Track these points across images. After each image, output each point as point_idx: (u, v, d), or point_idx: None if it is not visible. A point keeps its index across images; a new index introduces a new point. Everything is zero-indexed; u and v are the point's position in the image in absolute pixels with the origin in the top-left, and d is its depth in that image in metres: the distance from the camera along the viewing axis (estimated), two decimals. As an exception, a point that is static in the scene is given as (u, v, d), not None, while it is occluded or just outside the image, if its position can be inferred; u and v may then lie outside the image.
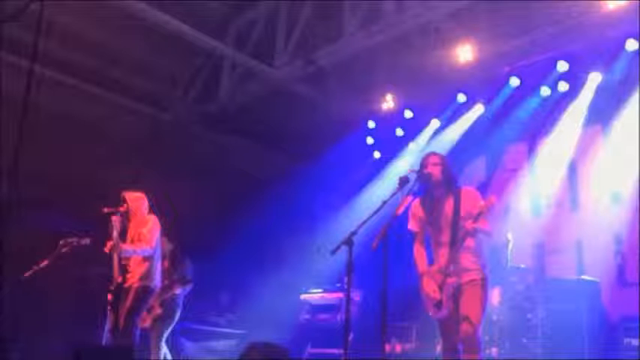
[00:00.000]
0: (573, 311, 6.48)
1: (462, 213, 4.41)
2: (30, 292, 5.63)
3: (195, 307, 7.40)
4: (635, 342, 6.22)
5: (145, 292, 5.64)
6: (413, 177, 4.32)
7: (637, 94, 7.18)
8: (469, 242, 4.37)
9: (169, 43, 7.91)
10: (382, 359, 3.94)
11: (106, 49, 8.06)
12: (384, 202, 4.17)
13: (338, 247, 4.06)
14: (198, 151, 9.16)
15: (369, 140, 9.65)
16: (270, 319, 8.03)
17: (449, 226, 4.44)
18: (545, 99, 8.00)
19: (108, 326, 5.56)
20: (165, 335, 6.46)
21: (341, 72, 8.26)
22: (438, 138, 8.91)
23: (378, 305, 3.99)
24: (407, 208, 4.49)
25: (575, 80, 7.67)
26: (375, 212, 4.12)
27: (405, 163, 8.96)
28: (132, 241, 5.69)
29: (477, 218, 4.31)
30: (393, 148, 9.48)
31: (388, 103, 8.65)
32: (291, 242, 9.30)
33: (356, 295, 7.84)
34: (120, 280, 5.53)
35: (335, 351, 7.31)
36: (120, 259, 5.55)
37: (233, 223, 8.74)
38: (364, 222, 4.08)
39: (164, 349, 6.42)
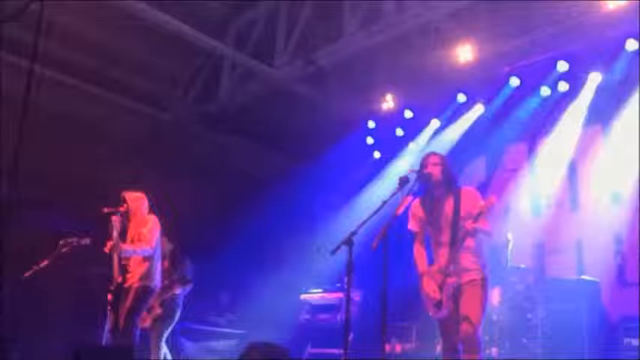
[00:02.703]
0: (573, 311, 6.48)
1: (462, 213, 4.42)
2: (30, 292, 5.63)
3: (195, 307, 7.39)
4: (635, 342, 6.22)
5: (145, 292, 5.64)
6: (413, 177, 4.32)
7: (637, 94, 7.18)
8: (469, 242, 4.37)
9: (169, 43, 7.91)
10: (382, 359, 3.94)
11: (106, 49, 8.06)
12: (384, 202, 4.17)
13: (338, 247, 4.06)
14: (198, 151, 9.16)
15: (369, 140, 9.64)
16: (270, 319, 8.03)
17: (449, 226, 4.44)
18: (545, 99, 7.99)
19: (108, 326, 5.55)
20: (165, 335, 6.46)
21: (341, 72, 8.26)
22: (438, 138, 8.91)
23: (378, 305, 3.99)
24: (407, 208, 4.49)
25: (575, 80, 7.67)
26: (375, 212, 4.11)
27: (405, 163, 8.95)
28: (132, 241, 5.69)
29: (477, 218, 4.31)
30: (393, 148, 9.48)
31: (388, 103, 8.65)
32: (291, 242, 9.29)
33: (356, 295, 7.83)
34: (120, 280, 5.53)
35: (335, 351, 7.31)
36: (120, 259, 5.55)
37: (233, 223, 8.74)
38: (364, 222, 4.08)
39: (164, 349, 6.42)
